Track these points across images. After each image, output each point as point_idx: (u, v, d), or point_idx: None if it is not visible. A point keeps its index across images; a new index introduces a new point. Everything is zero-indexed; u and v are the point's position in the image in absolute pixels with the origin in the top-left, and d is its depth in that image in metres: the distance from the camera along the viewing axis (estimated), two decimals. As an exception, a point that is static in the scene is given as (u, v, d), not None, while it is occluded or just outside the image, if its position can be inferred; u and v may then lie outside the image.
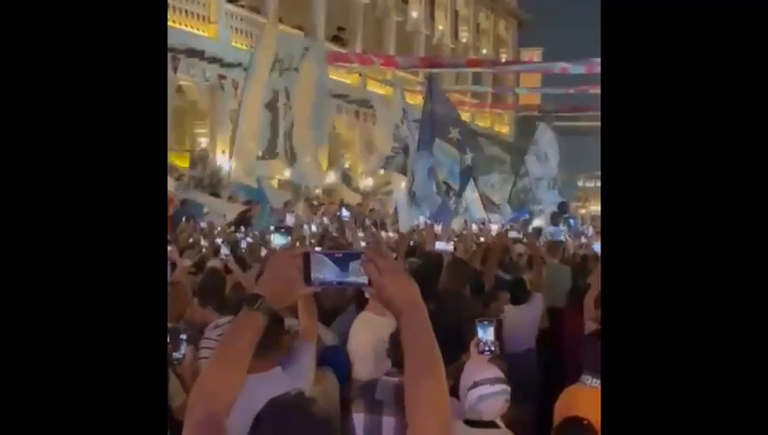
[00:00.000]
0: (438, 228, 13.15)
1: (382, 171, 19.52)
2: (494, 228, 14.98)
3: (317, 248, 2.88)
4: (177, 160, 21.45)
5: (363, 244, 10.46)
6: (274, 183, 16.16)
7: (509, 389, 3.97)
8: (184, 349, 4.45)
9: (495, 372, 4.00)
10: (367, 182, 27.94)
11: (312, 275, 2.00)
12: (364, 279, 1.99)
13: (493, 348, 4.24)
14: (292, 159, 14.52)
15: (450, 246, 9.60)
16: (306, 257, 2.01)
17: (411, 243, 11.50)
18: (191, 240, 11.80)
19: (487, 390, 3.90)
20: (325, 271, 2.00)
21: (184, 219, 14.08)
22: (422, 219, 14.81)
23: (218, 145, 22.45)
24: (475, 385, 3.92)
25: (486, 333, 4.22)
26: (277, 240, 5.62)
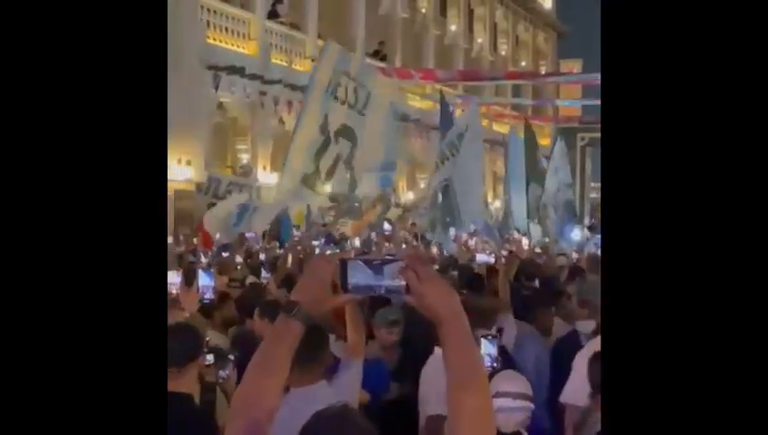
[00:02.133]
0: (473, 242, 13.19)
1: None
2: (525, 242, 14.94)
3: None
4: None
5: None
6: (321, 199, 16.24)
7: (531, 406, 3.94)
8: (229, 369, 4.52)
9: (521, 387, 3.98)
10: (408, 196, 27.98)
11: (349, 282, 1.98)
12: (401, 285, 1.96)
13: (495, 364, 4.22)
14: (352, 184, 14.72)
15: (492, 259, 9.61)
16: (343, 264, 2.00)
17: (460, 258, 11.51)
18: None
19: (507, 403, 3.88)
20: (362, 277, 1.98)
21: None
22: (452, 232, 14.85)
23: (259, 161, 22.58)
24: (497, 395, 3.90)
25: (490, 348, 4.20)
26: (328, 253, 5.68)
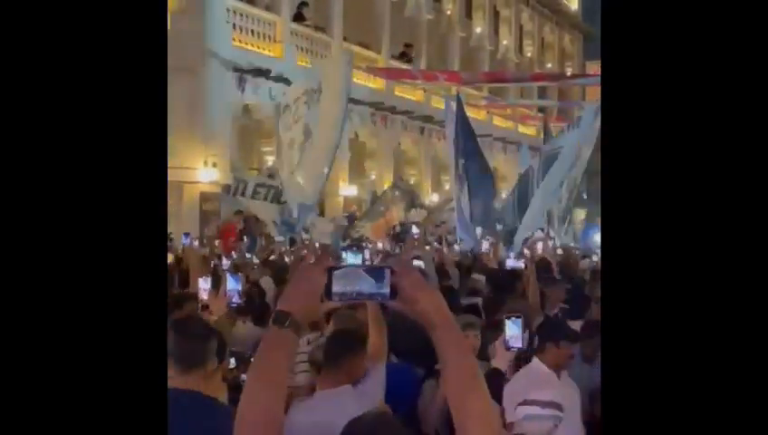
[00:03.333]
0: (487, 244, 13.15)
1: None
2: (540, 245, 14.91)
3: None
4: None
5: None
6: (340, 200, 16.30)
7: (561, 415, 3.92)
8: None
9: (551, 395, 3.96)
10: (432, 198, 27.95)
11: (334, 289, 2.00)
12: (386, 292, 1.99)
13: (520, 344, 4.21)
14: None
15: (521, 264, 9.62)
16: (329, 272, 2.01)
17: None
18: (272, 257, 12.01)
19: (535, 411, 3.86)
20: (347, 285, 2.00)
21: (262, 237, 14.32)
22: (479, 232, 14.77)
23: (285, 163, 22.64)
24: (525, 403, 3.89)
25: (514, 329, 4.18)
26: (350, 258, 5.67)
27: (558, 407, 3.93)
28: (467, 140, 16.32)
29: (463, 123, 16.86)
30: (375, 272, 2.00)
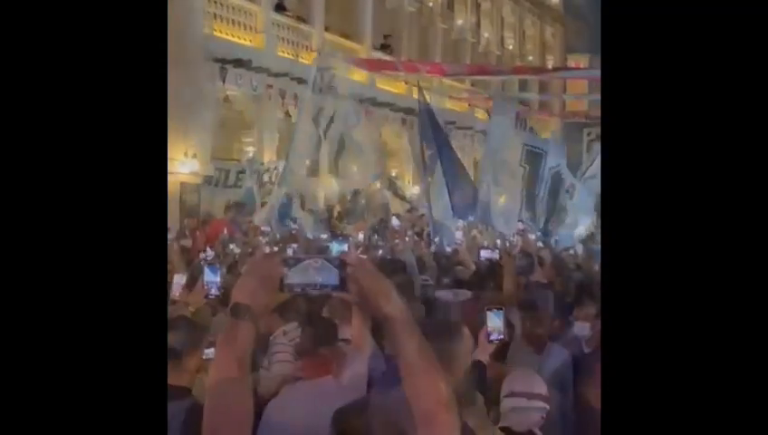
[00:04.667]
0: (459, 234, 13.15)
1: None
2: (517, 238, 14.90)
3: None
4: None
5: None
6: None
7: (546, 407, 3.93)
8: None
9: (537, 387, 3.97)
10: (414, 190, 27.96)
11: (286, 281, 2.03)
12: (336, 282, 2.02)
13: (501, 336, 4.26)
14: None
15: (495, 255, 9.64)
16: (282, 263, 2.05)
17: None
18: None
19: (522, 403, 3.87)
20: (300, 276, 2.03)
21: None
22: (460, 223, 14.76)
23: (266, 154, 22.60)
24: (512, 395, 3.89)
25: (496, 321, 4.24)
26: (336, 247, 5.69)
27: (545, 399, 3.92)
28: (436, 131, 16.10)
29: (428, 113, 16.51)
30: (328, 264, 2.03)
